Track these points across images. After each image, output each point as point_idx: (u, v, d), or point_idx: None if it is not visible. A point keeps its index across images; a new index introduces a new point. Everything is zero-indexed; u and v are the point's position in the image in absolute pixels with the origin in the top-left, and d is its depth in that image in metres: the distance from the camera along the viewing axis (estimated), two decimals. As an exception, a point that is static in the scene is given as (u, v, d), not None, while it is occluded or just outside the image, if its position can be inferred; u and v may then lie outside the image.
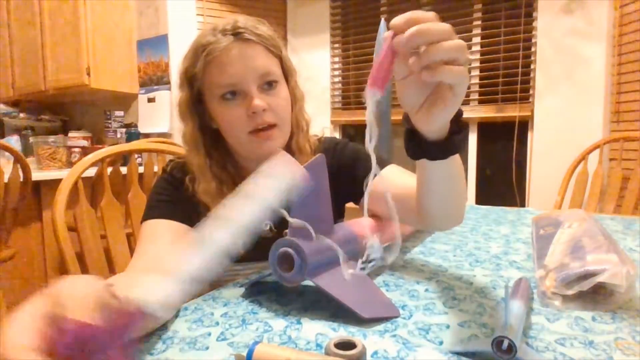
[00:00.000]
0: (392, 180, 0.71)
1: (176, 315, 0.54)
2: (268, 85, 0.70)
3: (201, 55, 0.69)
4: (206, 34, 0.70)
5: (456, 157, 0.55)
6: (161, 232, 0.68)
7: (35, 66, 2.70)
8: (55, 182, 0.87)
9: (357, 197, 0.79)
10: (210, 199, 0.71)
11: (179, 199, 0.72)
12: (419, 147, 0.53)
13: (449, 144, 0.51)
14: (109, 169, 0.99)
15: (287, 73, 0.76)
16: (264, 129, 0.70)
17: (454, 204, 0.63)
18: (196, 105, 0.74)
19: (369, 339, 0.47)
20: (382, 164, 0.74)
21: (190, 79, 0.73)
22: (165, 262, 0.48)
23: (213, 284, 0.65)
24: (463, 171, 0.60)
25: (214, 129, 0.75)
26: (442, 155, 0.53)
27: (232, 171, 0.77)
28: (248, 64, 0.68)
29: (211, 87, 0.70)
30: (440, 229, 0.71)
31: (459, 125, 0.51)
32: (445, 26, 0.40)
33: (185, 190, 0.72)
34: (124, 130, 2.75)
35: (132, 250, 0.95)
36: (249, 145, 0.71)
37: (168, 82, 2.65)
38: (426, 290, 0.62)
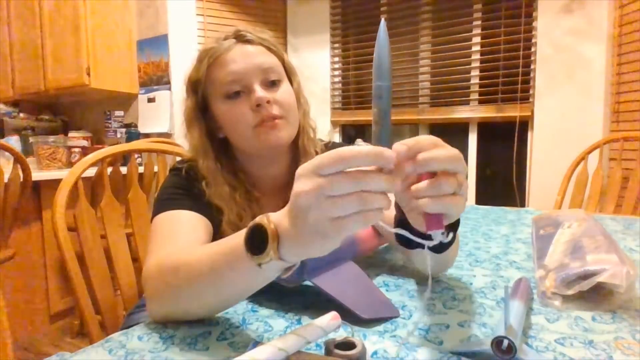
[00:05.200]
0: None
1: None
2: (271, 83, 0.71)
3: (204, 60, 0.70)
4: (209, 42, 0.72)
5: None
6: (188, 222, 0.64)
7: (35, 66, 2.69)
8: (55, 182, 0.86)
9: None
10: (224, 202, 0.70)
11: (195, 196, 0.69)
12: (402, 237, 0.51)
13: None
14: (109, 169, 0.99)
15: (290, 74, 0.76)
16: (269, 121, 0.69)
17: (440, 267, 0.65)
18: (202, 112, 0.74)
19: (369, 339, 0.47)
20: None
21: (195, 85, 0.73)
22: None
23: None
24: (456, 243, 0.61)
25: (221, 139, 0.75)
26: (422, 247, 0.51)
27: (242, 177, 0.75)
28: (250, 60, 0.69)
29: (215, 87, 0.71)
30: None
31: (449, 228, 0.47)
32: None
33: (202, 193, 0.70)
34: (124, 130, 2.74)
35: (132, 251, 0.95)
36: (255, 139, 0.69)
37: (168, 82, 2.64)
38: (426, 290, 0.62)
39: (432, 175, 0.39)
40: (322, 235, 0.37)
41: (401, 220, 0.50)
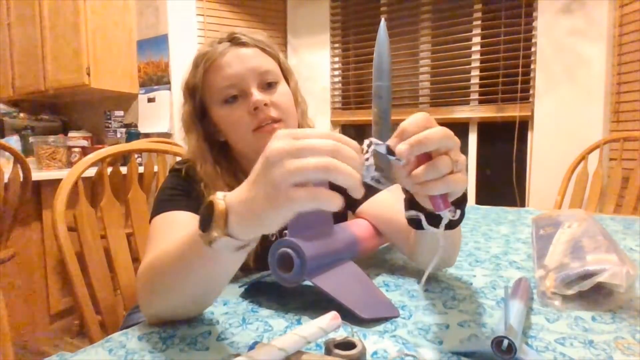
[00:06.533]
0: (391, 206, 0.70)
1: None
2: (268, 85, 0.71)
3: (200, 65, 0.70)
4: (204, 46, 0.72)
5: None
6: (186, 223, 0.63)
7: (35, 66, 2.69)
8: (55, 182, 0.87)
9: (355, 207, 0.78)
10: None
11: (195, 197, 0.69)
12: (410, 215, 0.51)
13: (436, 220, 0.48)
14: (109, 169, 0.99)
15: (286, 74, 0.76)
16: (268, 124, 0.68)
17: (443, 259, 0.64)
18: (200, 117, 0.74)
19: (369, 339, 0.47)
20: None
21: (192, 90, 0.73)
22: None
23: None
24: (458, 232, 0.61)
25: (221, 142, 0.74)
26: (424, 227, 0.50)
27: (243, 180, 0.75)
28: (245, 63, 0.69)
29: (212, 92, 0.70)
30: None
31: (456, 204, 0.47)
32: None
33: (202, 194, 0.69)
34: (124, 130, 2.74)
35: (132, 251, 0.95)
36: (255, 143, 0.69)
37: (168, 82, 2.65)
38: (426, 290, 0.62)
39: (428, 155, 0.41)
40: (274, 203, 0.36)
41: (410, 201, 0.51)
